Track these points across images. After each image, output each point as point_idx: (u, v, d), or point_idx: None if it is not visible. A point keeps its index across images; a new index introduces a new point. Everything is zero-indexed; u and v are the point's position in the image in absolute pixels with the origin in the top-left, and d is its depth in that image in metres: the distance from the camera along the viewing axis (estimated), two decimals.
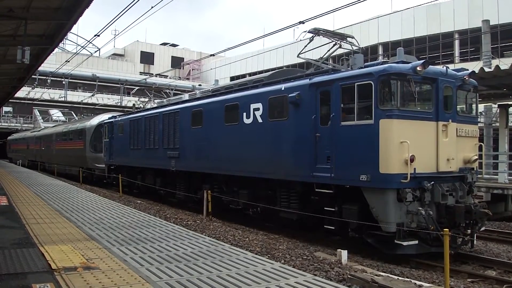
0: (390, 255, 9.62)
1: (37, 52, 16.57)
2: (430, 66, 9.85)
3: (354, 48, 12.45)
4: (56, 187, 18.47)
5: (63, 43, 61.60)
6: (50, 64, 40.64)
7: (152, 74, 67.82)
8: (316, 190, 10.75)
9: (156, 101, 25.57)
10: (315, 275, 6.70)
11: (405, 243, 9.06)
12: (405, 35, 43.49)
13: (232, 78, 58.90)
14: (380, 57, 41.83)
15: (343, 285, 6.59)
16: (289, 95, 11.42)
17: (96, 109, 52.60)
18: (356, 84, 9.82)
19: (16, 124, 59.02)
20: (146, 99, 26.79)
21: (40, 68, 23.76)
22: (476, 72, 11.63)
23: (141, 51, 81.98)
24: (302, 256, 8.96)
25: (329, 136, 10.39)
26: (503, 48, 38.09)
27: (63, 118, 54.60)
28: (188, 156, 16.33)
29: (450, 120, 10.10)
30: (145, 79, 51.60)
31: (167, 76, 67.19)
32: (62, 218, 10.08)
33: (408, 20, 43.10)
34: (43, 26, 14.05)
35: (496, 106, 22.10)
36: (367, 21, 47.66)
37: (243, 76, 54.22)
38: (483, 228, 10.58)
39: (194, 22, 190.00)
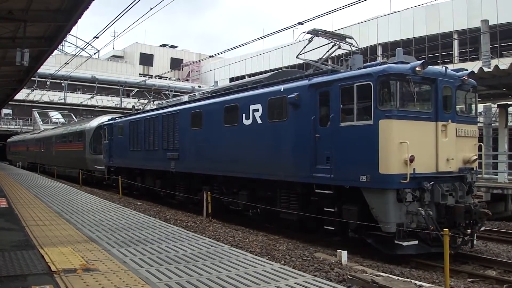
0: (390, 255, 9.61)
1: (36, 54, 16.57)
2: (429, 66, 9.87)
3: (353, 48, 12.47)
4: (55, 189, 18.47)
5: (62, 45, 61.64)
6: (49, 66, 40.60)
7: (152, 75, 67.76)
8: (316, 190, 10.75)
9: (155, 102, 25.59)
10: (315, 275, 6.71)
11: (405, 243, 9.06)
12: (404, 35, 43.51)
13: (231, 79, 58.92)
14: (379, 57, 41.85)
15: (343, 285, 6.59)
16: (289, 96, 11.42)
17: (95, 111, 52.59)
18: (355, 84, 9.82)
19: (15, 126, 59.01)
20: (146, 101, 26.80)
21: (39, 70, 23.75)
22: (475, 72, 11.66)
23: (141, 53, 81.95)
24: (302, 257, 8.95)
25: (328, 136, 10.39)
26: (502, 48, 38.10)
27: (62, 120, 54.59)
28: (187, 157, 16.33)
29: (449, 120, 10.10)
30: (145, 80, 51.52)
31: (167, 77, 67.18)
32: (62, 220, 10.07)
33: (407, 21, 43.13)
34: (42, 28, 14.05)
35: (496, 106, 22.12)
36: (366, 21, 47.71)
37: (243, 77, 54.24)
38: (483, 228, 10.59)
39: (193, 24, 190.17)
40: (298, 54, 12.39)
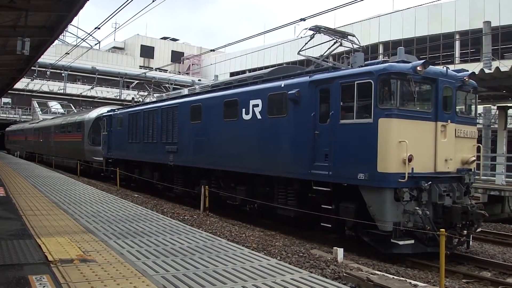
0: (386, 254, 9.64)
1: (37, 44, 16.52)
2: (430, 66, 9.86)
3: (355, 46, 12.47)
4: (53, 179, 18.46)
5: (63, 35, 61.34)
6: (49, 56, 40.51)
7: (152, 68, 67.66)
8: (314, 187, 10.76)
9: (155, 95, 25.56)
10: (311, 272, 6.72)
11: (401, 243, 9.09)
12: (406, 34, 43.44)
13: (232, 74, 58.80)
14: (380, 56, 41.80)
15: (339, 283, 6.61)
16: (289, 92, 11.41)
17: (95, 102, 52.50)
18: (356, 82, 9.82)
19: (14, 116, 58.88)
20: (146, 93, 26.77)
21: (39, 60, 23.72)
22: (476, 73, 11.63)
23: (141, 45, 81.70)
24: (298, 253, 8.99)
25: (327, 134, 10.39)
26: (503, 49, 38.09)
27: (61, 110, 54.48)
28: (186, 151, 16.32)
29: (449, 121, 10.11)
30: (145, 73, 51.46)
31: (167, 70, 67.05)
32: (59, 210, 10.07)
33: (409, 20, 43.04)
34: (44, 17, 13.99)
35: (495, 107, 22.13)
36: (368, 19, 47.62)
37: (243, 72, 54.14)
38: (479, 229, 10.60)
39: (194, 18, 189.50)
40: (300, 51, 12.38)
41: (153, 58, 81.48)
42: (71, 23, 15.25)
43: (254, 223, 13.28)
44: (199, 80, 63.01)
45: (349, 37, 12.54)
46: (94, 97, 55.59)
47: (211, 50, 31.46)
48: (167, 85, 25.65)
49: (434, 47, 40.68)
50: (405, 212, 9.29)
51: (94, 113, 29.21)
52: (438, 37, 40.63)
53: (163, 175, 18.69)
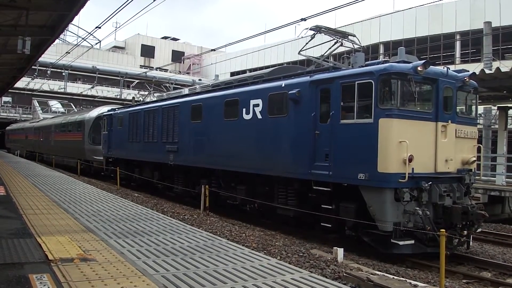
0: (386, 254, 9.64)
1: (38, 43, 16.51)
2: (431, 66, 9.86)
3: (356, 46, 12.47)
4: (53, 178, 18.46)
5: (64, 34, 61.39)
6: (50, 55, 40.47)
7: (153, 67, 67.67)
8: (314, 187, 10.76)
9: (155, 94, 25.55)
10: (311, 272, 6.72)
11: (401, 243, 9.09)
12: (407, 35, 43.42)
13: (232, 74, 58.73)
14: (381, 56, 41.75)
15: (339, 282, 6.61)
16: (289, 92, 11.41)
17: (95, 101, 52.53)
18: (356, 82, 9.82)
19: (15, 114, 58.85)
20: (146, 93, 26.74)
21: (40, 59, 23.69)
22: (477, 73, 11.63)
23: (142, 44, 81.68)
24: (298, 253, 9.00)
25: (328, 134, 10.39)
26: (504, 50, 38.09)
27: (62, 110, 54.48)
28: (186, 150, 16.32)
29: (449, 121, 10.11)
30: (145, 72, 51.46)
31: (167, 70, 67.04)
32: (60, 209, 10.08)
33: (409, 20, 43.02)
34: (45, 16, 13.99)
35: (496, 108, 22.14)
36: (369, 20, 47.59)
37: (244, 71, 54.12)
38: (479, 230, 10.61)
39: (194, 18, 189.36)
40: (300, 50, 12.38)
41: (153, 58, 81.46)
42: (72, 22, 15.24)
43: (254, 223, 13.28)
44: (200, 79, 62.95)
45: (349, 37, 12.55)
46: (94, 97, 55.61)
47: (212, 50, 31.50)
48: (167, 85, 25.63)
49: (435, 47, 40.67)
50: (405, 212, 9.30)
51: (95, 112, 29.22)
52: (438, 38, 40.60)
53: (163, 175, 18.70)
